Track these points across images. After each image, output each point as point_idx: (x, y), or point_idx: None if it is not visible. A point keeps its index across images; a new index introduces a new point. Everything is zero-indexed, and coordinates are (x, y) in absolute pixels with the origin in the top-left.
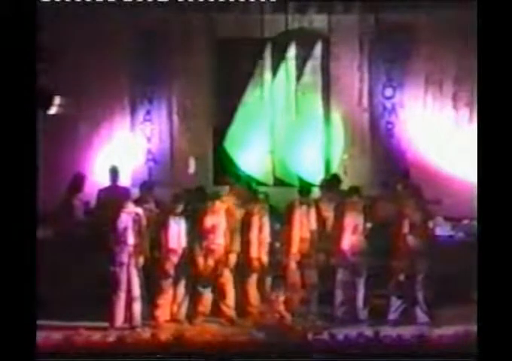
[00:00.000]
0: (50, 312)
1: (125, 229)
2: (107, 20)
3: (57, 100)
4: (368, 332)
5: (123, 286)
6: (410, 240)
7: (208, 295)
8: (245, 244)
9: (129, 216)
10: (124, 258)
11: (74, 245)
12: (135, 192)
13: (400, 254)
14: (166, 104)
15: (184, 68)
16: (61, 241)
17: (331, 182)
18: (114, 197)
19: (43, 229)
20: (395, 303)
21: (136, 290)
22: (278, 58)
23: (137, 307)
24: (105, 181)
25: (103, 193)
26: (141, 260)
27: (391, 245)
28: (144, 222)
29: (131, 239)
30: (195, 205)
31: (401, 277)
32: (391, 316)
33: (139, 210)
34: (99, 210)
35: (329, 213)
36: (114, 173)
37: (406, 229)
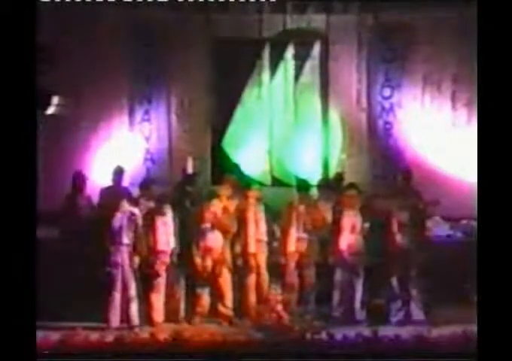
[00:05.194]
0: (48, 312)
1: (120, 228)
2: (107, 20)
3: (55, 100)
4: (366, 332)
5: (121, 286)
6: (409, 239)
7: (206, 295)
8: (243, 244)
9: (124, 215)
10: (120, 258)
11: (77, 245)
12: (133, 192)
13: (398, 253)
14: (164, 103)
15: (183, 68)
16: (65, 240)
17: (334, 181)
18: (115, 197)
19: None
20: (394, 303)
21: (133, 290)
22: (277, 58)
23: (135, 307)
24: (103, 181)
25: (105, 193)
26: (137, 260)
27: (389, 244)
28: (140, 221)
29: (127, 239)
30: (193, 205)
31: (400, 277)
32: (390, 316)
33: (135, 210)
34: (100, 210)
35: (327, 213)
36: (118, 173)
37: (404, 227)
